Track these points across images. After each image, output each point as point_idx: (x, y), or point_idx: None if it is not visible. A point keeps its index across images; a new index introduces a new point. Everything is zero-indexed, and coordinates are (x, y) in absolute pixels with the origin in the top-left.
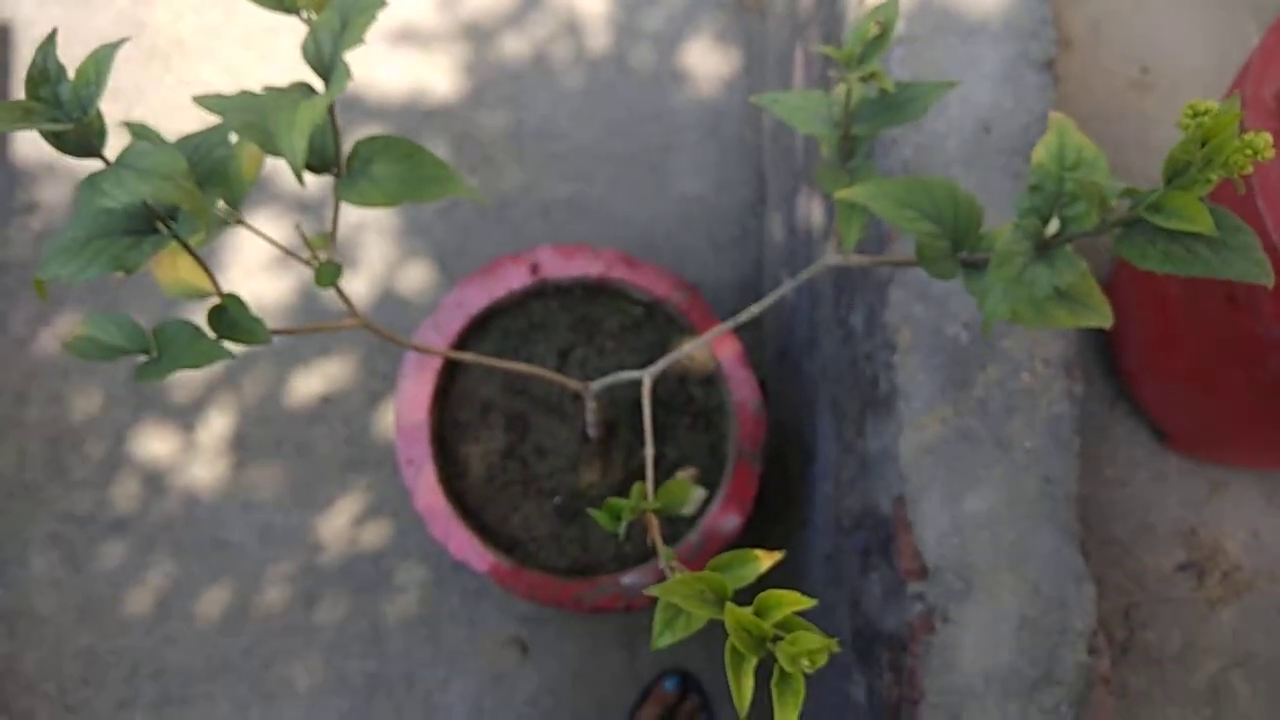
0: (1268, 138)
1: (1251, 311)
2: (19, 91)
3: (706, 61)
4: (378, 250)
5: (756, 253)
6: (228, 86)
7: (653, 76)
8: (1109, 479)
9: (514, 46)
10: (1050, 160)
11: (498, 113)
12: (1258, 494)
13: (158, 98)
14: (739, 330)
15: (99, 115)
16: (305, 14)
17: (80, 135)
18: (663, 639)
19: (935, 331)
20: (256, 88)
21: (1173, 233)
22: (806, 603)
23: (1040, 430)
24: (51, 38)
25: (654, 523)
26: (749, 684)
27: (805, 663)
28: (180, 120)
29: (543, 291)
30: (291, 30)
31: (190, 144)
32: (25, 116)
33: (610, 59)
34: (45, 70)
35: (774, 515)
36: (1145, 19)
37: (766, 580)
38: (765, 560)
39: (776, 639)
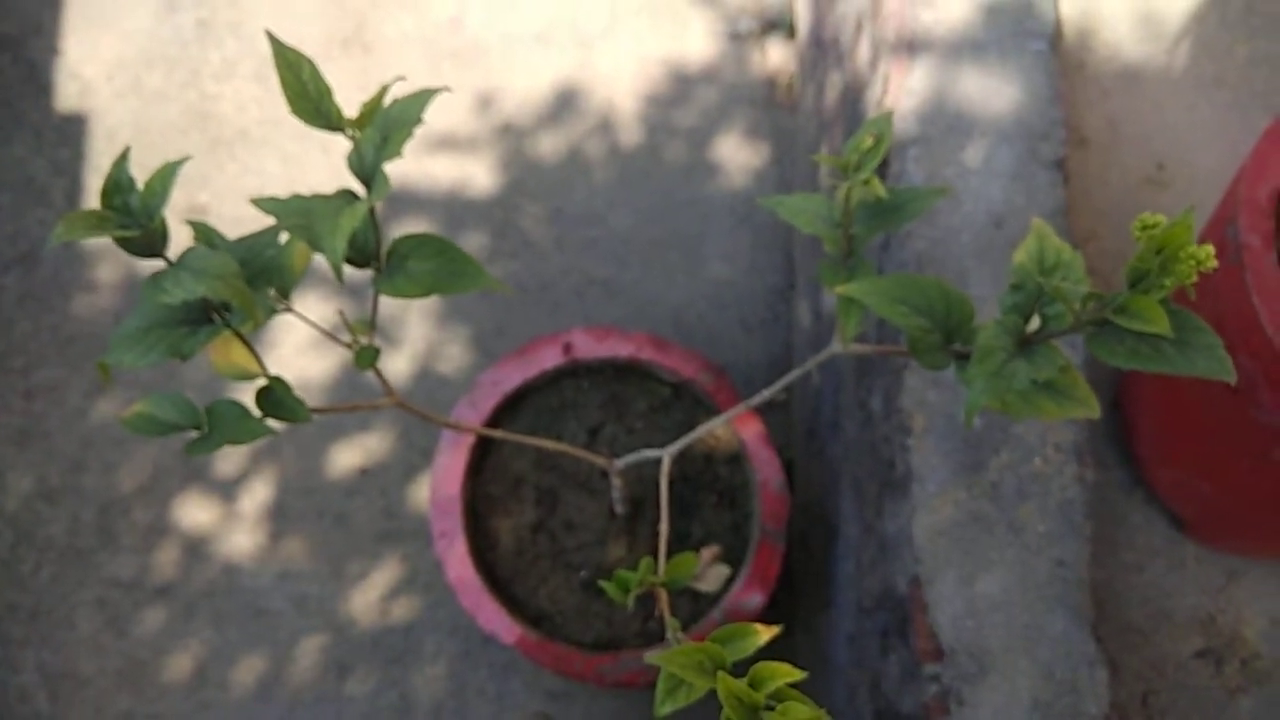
0: (1209, 249)
1: (1252, 401)
2: (91, 176)
3: (738, 153)
4: (420, 330)
5: (786, 335)
6: (286, 175)
7: (686, 167)
8: (1126, 564)
9: (553, 140)
10: (1030, 262)
11: (538, 202)
12: (1276, 582)
13: (221, 184)
14: (767, 410)
15: (163, 222)
16: (350, 131)
17: (146, 239)
18: (664, 707)
19: (948, 416)
20: (314, 176)
21: (1139, 333)
22: (797, 674)
23: (1052, 514)
24: (125, 155)
25: (663, 596)
26: None
27: None
28: (241, 206)
29: (575, 371)
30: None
31: (244, 245)
32: (100, 224)
33: (645, 151)
34: (118, 181)
35: (798, 594)
36: (1161, 118)
37: (793, 661)
38: (764, 634)
39: (769, 708)
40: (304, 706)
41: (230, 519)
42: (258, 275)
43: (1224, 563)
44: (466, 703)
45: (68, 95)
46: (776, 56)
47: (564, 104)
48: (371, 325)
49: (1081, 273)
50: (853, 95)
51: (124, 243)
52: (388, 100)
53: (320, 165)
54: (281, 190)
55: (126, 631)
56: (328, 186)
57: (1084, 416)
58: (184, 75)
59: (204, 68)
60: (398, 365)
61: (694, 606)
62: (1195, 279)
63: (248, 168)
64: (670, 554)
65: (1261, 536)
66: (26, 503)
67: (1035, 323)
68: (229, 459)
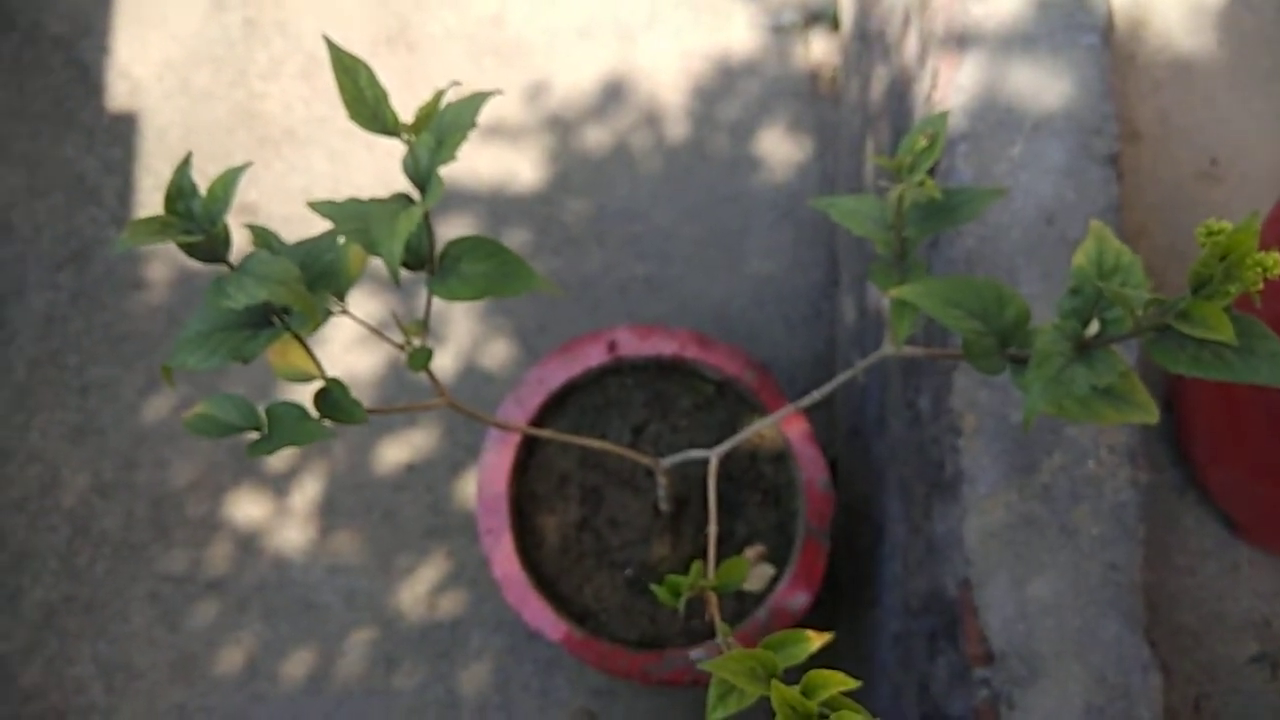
0: (1277, 256)
1: None
2: (142, 175)
3: (781, 147)
4: (465, 328)
5: (829, 332)
6: (333, 173)
7: (729, 161)
8: (1179, 567)
9: (596, 135)
10: (1089, 265)
11: (581, 197)
12: None
13: (269, 182)
14: (811, 408)
15: (225, 227)
16: (406, 136)
17: (209, 244)
18: (716, 713)
19: (1000, 417)
20: (359, 174)
21: (1201, 339)
22: (851, 683)
23: (1105, 517)
24: (187, 160)
25: (713, 599)
26: None
27: None
28: (289, 204)
29: (619, 369)
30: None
31: (304, 249)
32: (164, 230)
33: (688, 145)
34: (181, 187)
35: (843, 594)
36: (1214, 112)
37: (837, 661)
38: (816, 640)
39: (822, 717)
40: (352, 700)
41: (281, 514)
42: (317, 279)
43: (1279, 566)
44: (511, 698)
45: (118, 95)
46: (820, 49)
47: (607, 99)
48: (425, 327)
49: (1141, 276)
50: (899, 89)
51: (187, 248)
52: (442, 104)
53: (365, 163)
54: (328, 188)
55: (179, 625)
56: (373, 184)
57: (1142, 422)
58: (231, 74)
59: (251, 67)
60: (443, 361)
61: (739, 606)
62: (1261, 286)
63: (294, 166)
64: (715, 548)
65: None
66: (82, 498)
67: (1094, 327)
68: (280, 455)
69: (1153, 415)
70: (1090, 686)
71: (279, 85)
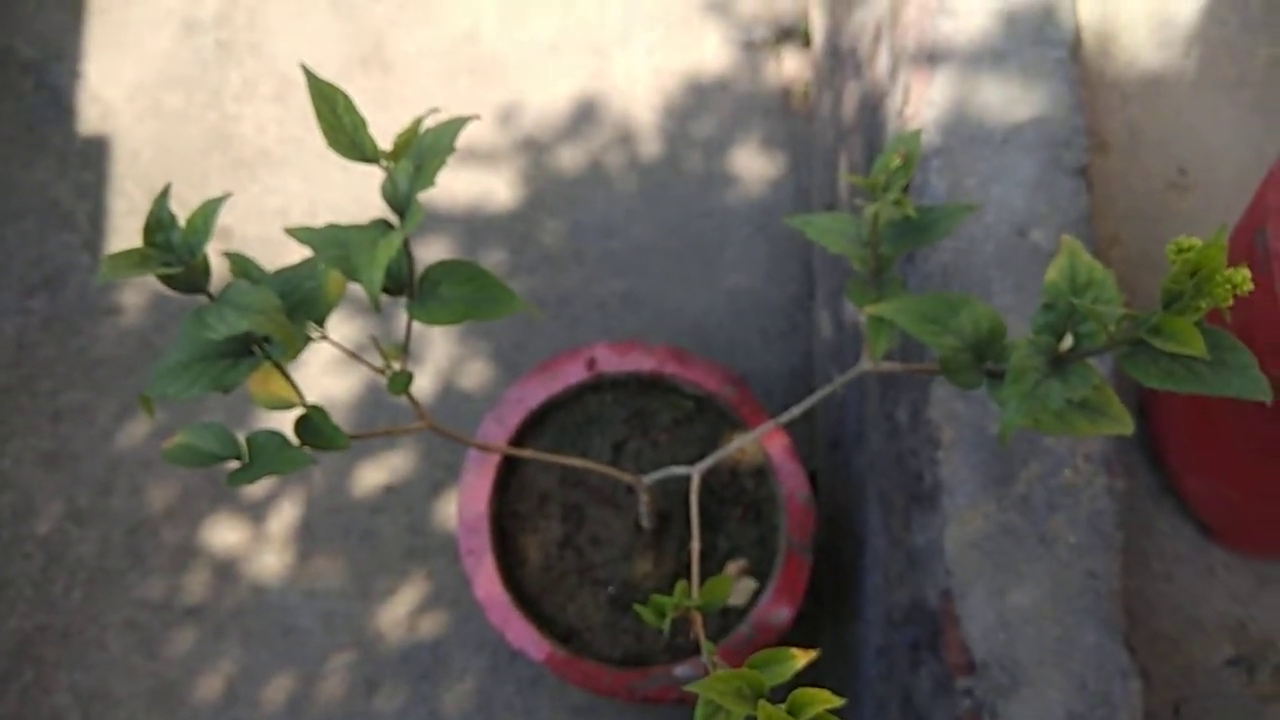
0: (1245, 273)
1: None
2: (115, 199)
3: (755, 162)
4: (443, 348)
5: (806, 345)
6: (308, 194)
7: (703, 177)
8: (1155, 572)
9: (571, 153)
10: (1062, 280)
11: (556, 215)
12: None
13: (244, 205)
14: (790, 422)
15: (205, 258)
16: (384, 162)
17: (188, 276)
18: None
19: (977, 428)
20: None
21: (1173, 354)
22: (836, 701)
23: (1083, 526)
24: (165, 192)
25: (698, 619)
26: None
27: None
28: (264, 226)
29: (598, 386)
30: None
31: (283, 277)
32: (143, 263)
33: (662, 162)
34: (160, 219)
35: (827, 606)
36: (1183, 122)
37: (821, 675)
38: (801, 658)
39: None
40: None
41: (258, 539)
42: (297, 307)
43: (1254, 569)
44: (494, 717)
45: (89, 118)
46: (792, 65)
47: (581, 116)
48: (405, 351)
49: (1114, 291)
50: (871, 104)
51: (167, 280)
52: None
53: (341, 183)
54: (304, 209)
55: (157, 652)
56: (349, 203)
57: (1117, 433)
58: (204, 96)
59: (224, 88)
60: (421, 381)
61: (722, 620)
62: (1231, 302)
63: (269, 188)
64: (698, 565)
65: None
66: (57, 525)
67: (1068, 341)
68: (258, 481)
69: (1127, 427)
70: (1071, 694)
71: (252, 107)
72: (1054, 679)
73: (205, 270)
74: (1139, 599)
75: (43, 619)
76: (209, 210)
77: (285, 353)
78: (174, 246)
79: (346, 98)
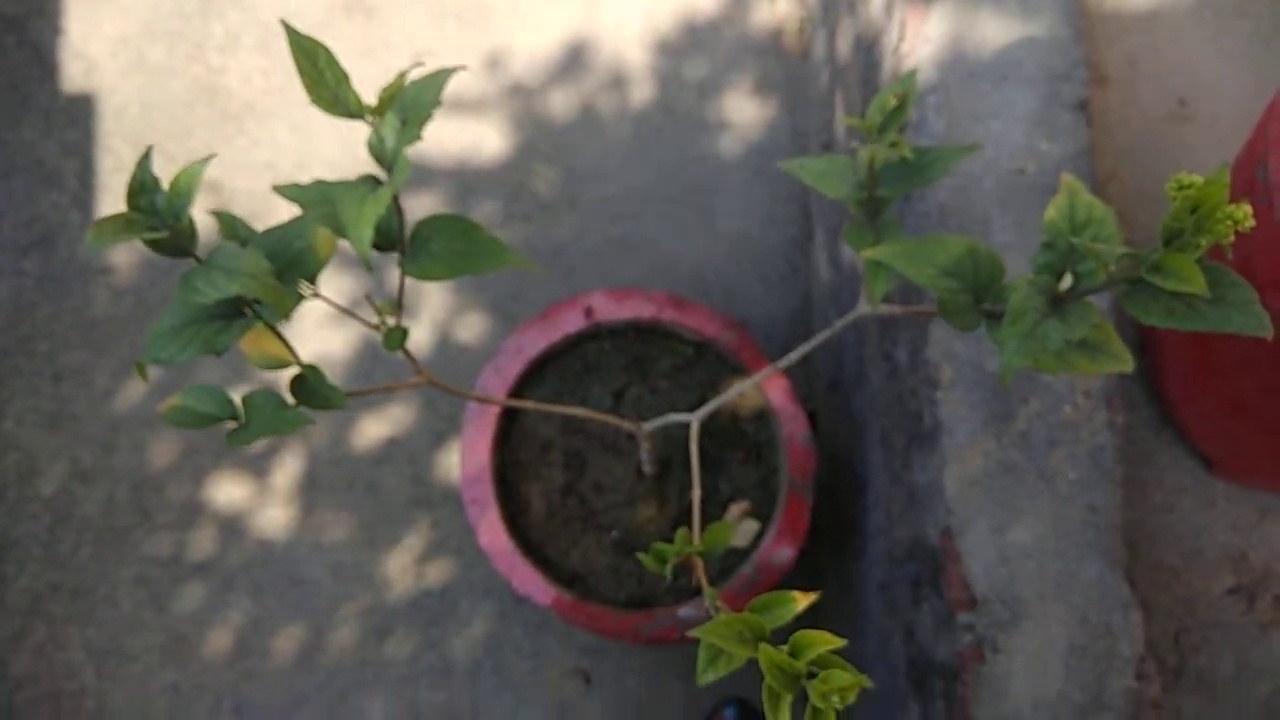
0: (1247, 209)
1: None
2: (103, 156)
3: (750, 104)
4: (439, 299)
5: (805, 287)
6: (296, 146)
7: (698, 120)
8: (1156, 505)
9: (562, 99)
10: (1061, 219)
11: (549, 162)
12: None
13: (232, 158)
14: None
15: (191, 221)
16: (369, 118)
17: (174, 240)
18: (706, 676)
19: (976, 366)
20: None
21: (1173, 291)
22: (837, 642)
23: (1083, 461)
24: (148, 154)
25: (699, 564)
26: (786, 719)
27: (836, 699)
28: (253, 180)
29: (597, 334)
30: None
31: (273, 237)
32: (128, 227)
33: (656, 105)
34: (143, 182)
35: (829, 545)
36: (1182, 52)
37: (824, 611)
38: (802, 601)
39: (811, 675)
40: (345, 671)
41: (263, 492)
42: (287, 267)
43: (1255, 500)
44: (504, 661)
45: (73, 75)
46: (785, 3)
47: (571, 60)
48: (398, 307)
49: (1114, 229)
50: (867, 42)
51: (153, 244)
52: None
53: (330, 134)
54: (293, 162)
55: (168, 607)
56: (339, 155)
57: (1118, 371)
58: (188, 49)
59: (207, 40)
60: (418, 334)
61: (724, 561)
62: (1232, 239)
63: (257, 140)
64: (699, 511)
65: None
66: (62, 485)
67: (1067, 280)
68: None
69: (1128, 364)
70: (1072, 627)
71: (237, 58)
72: (1055, 612)
73: (191, 233)
74: (1140, 531)
75: (53, 577)
76: (192, 172)
77: (277, 314)
78: (158, 210)
79: (328, 51)
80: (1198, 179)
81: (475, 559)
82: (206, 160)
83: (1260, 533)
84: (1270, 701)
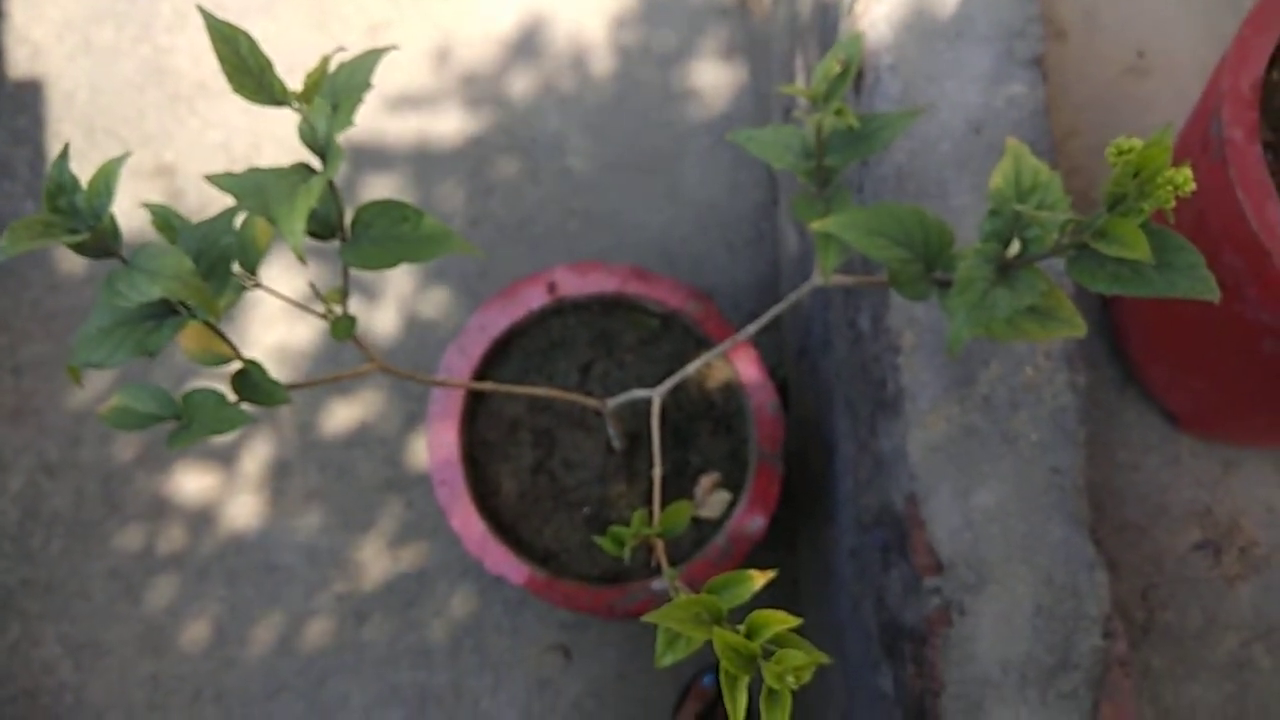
0: (1187, 173)
1: (1239, 297)
2: (53, 143)
3: (713, 69)
4: (402, 279)
5: (772, 254)
6: (250, 126)
7: (660, 86)
8: (1121, 463)
9: (522, 70)
10: (1007, 185)
11: (509, 133)
12: (1271, 470)
13: (184, 140)
14: (758, 332)
15: (112, 220)
16: (296, 104)
17: (96, 241)
18: (665, 659)
19: (937, 333)
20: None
21: (1118, 257)
22: (792, 621)
23: (1045, 423)
24: (65, 153)
25: (660, 545)
26: (743, 700)
27: (791, 679)
28: (208, 162)
29: (561, 309)
30: (307, 69)
31: (200, 232)
32: (46, 231)
33: (617, 73)
34: (61, 183)
35: (802, 512)
36: (1139, 4)
37: (799, 576)
38: (759, 579)
39: (767, 654)
40: (325, 656)
41: (233, 480)
42: (216, 262)
43: (1219, 454)
44: (484, 640)
45: (18, 61)
46: None
47: (532, 29)
48: (344, 294)
49: (1060, 193)
50: (824, 3)
51: (75, 247)
52: (333, 67)
53: (284, 113)
54: (247, 142)
55: (142, 598)
56: (291, 135)
57: (1069, 335)
58: (135, 30)
59: (155, 20)
60: (383, 318)
61: (697, 533)
62: (1174, 203)
63: (209, 121)
64: (669, 485)
65: (1255, 428)
66: (29, 479)
67: (1015, 247)
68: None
69: (1080, 329)
70: (1038, 588)
71: (185, 37)
72: (1021, 574)
73: (114, 233)
74: (1106, 489)
75: (25, 573)
76: (109, 171)
77: (207, 312)
78: (78, 211)
79: (249, 37)
80: (1137, 143)
81: (451, 539)
82: (123, 159)
83: (1225, 486)
84: (1238, 654)
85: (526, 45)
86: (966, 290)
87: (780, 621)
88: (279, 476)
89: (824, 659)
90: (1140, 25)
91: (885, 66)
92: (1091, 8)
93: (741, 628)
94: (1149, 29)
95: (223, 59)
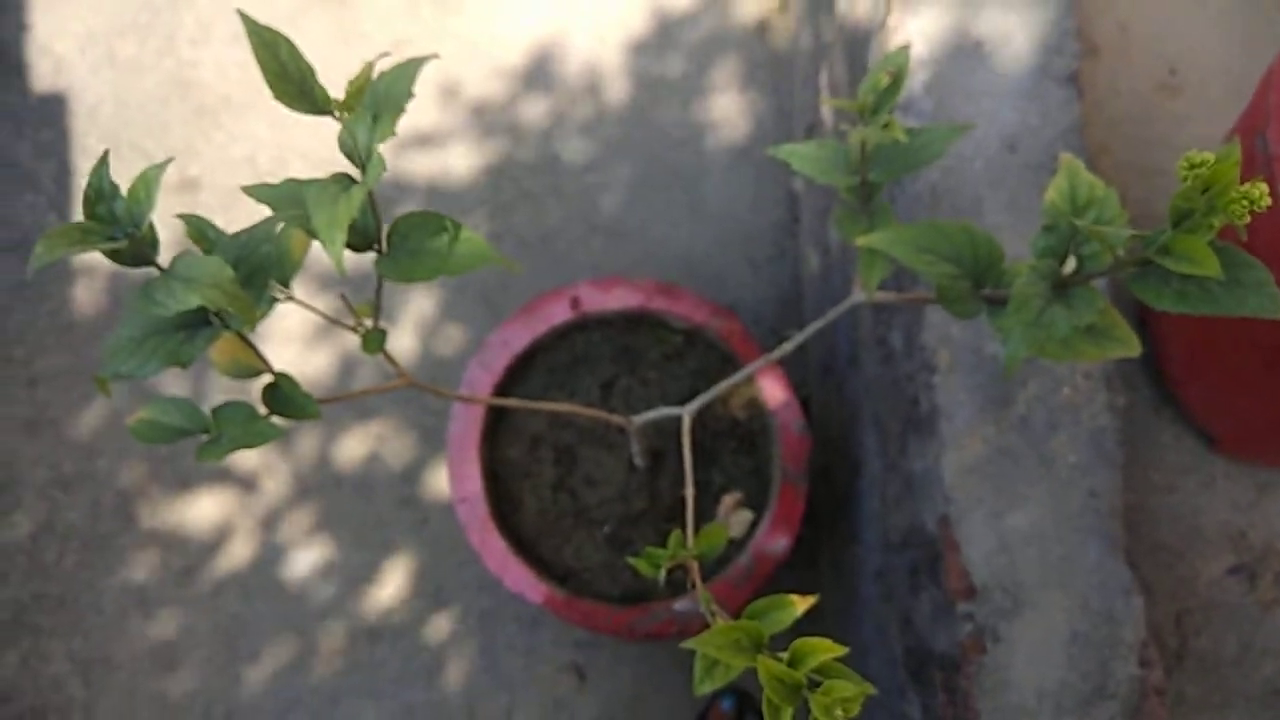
0: (1263, 188)
1: None
2: (78, 157)
3: (734, 87)
4: (424, 293)
5: (794, 269)
6: (275, 139)
7: (683, 104)
8: (1156, 485)
9: (543, 84)
10: (1062, 201)
11: (533, 150)
12: None
13: (211, 155)
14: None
15: (151, 228)
16: (339, 113)
17: (135, 249)
18: (703, 686)
19: (974, 350)
20: (303, 139)
21: (1185, 274)
22: (839, 650)
23: (1083, 444)
24: (104, 159)
25: (694, 567)
26: None
27: (839, 711)
28: (234, 175)
29: (584, 325)
30: (331, 84)
31: (239, 241)
32: (85, 238)
33: (640, 88)
34: (100, 190)
35: (825, 530)
36: (1172, 22)
37: (821, 596)
38: (800, 605)
39: (812, 685)
40: (337, 674)
41: (250, 494)
42: (254, 272)
43: (1254, 477)
44: (497, 658)
45: (42, 74)
46: None
47: (552, 42)
48: (377, 307)
49: (1118, 209)
50: (852, 19)
51: (112, 255)
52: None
53: (310, 126)
54: (273, 156)
55: (155, 614)
56: (318, 148)
57: (1124, 355)
58: (159, 42)
59: (178, 32)
60: (402, 331)
61: (720, 553)
62: (1248, 219)
63: (235, 135)
64: (693, 512)
65: None
66: (43, 492)
67: (1070, 264)
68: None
69: (1135, 348)
70: (1074, 614)
71: (210, 50)
72: (1056, 599)
73: (153, 242)
74: (1140, 511)
75: (37, 587)
76: (151, 177)
77: (243, 323)
78: (117, 218)
79: (290, 43)
80: (1209, 156)
81: (467, 556)
82: (165, 165)
83: (1260, 510)
84: (1274, 682)
85: (547, 66)
86: (1022, 308)
87: (827, 650)
88: (296, 492)
89: (871, 689)
90: (1173, 42)
91: (919, 83)
92: (1125, 24)
93: (785, 655)
94: (1181, 46)
95: (263, 65)
